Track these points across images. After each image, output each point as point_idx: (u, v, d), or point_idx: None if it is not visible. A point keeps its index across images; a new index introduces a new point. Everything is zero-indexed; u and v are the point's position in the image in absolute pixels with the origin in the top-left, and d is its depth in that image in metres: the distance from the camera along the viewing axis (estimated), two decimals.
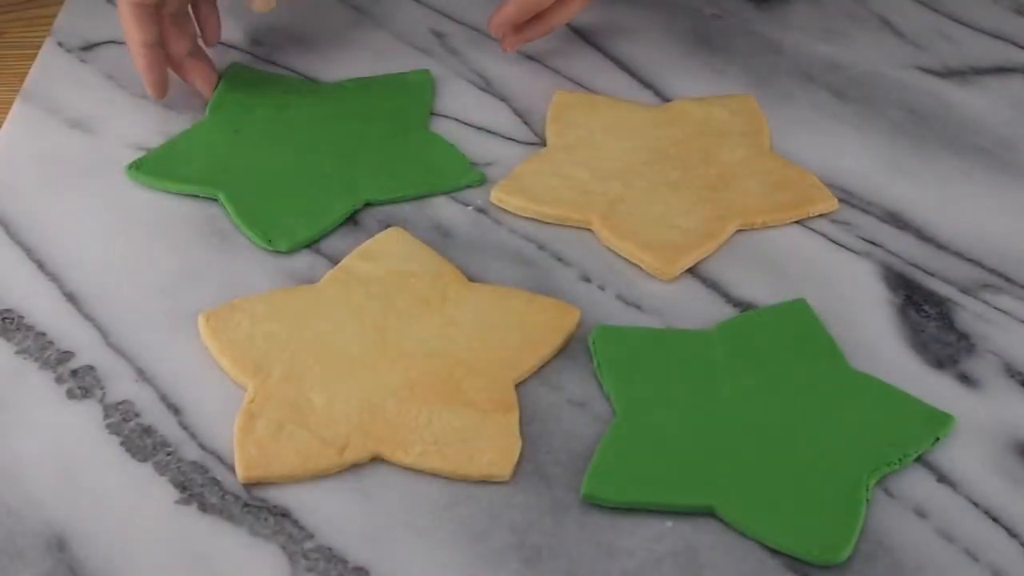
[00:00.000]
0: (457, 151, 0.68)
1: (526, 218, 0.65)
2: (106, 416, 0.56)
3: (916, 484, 0.54)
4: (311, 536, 0.52)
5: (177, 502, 0.53)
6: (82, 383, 0.57)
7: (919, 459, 0.55)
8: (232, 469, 0.54)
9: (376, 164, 0.68)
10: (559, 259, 0.63)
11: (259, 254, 0.63)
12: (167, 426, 0.56)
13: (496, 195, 0.66)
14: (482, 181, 0.67)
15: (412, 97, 0.72)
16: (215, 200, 0.65)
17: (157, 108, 0.71)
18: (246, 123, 0.70)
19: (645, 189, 0.66)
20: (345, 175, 0.67)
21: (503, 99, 0.73)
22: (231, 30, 0.76)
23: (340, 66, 0.74)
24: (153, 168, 0.67)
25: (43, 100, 0.72)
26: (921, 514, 0.53)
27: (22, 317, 0.60)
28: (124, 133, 0.70)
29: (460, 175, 0.67)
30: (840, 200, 0.66)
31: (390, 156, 0.68)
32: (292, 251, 0.63)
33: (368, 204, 0.66)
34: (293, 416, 0.55)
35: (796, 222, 0.65)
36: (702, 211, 0.65)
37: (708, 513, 0.53)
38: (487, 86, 0.73)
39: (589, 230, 0.64)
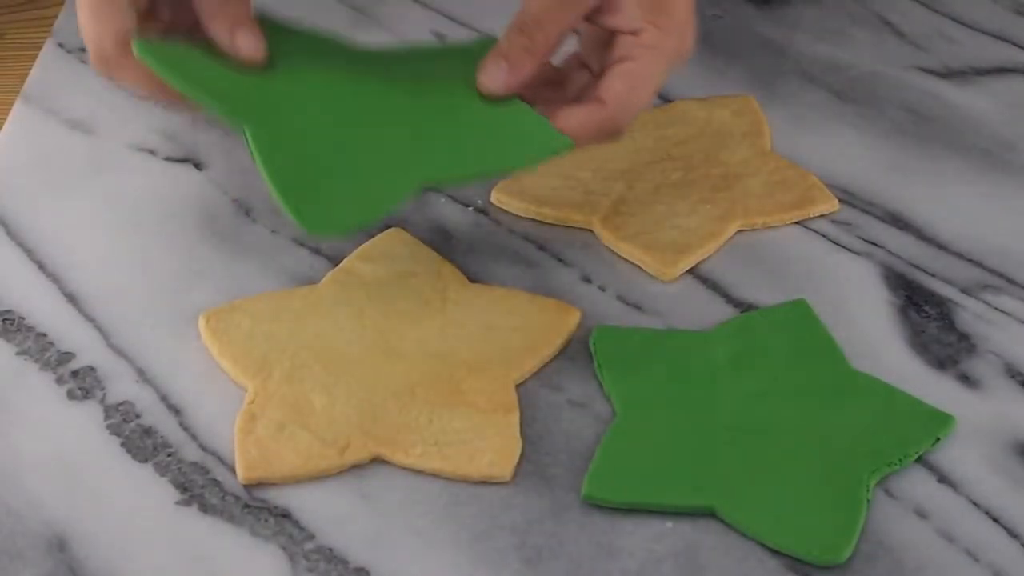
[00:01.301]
0: (539, 117, 0.58)
1: (527, 219, 0.65)
2: (107, 417, 0.56)
3: (917, 484, 0.54)
4: (312, 537, 0.52)
5: (178, 503, 0.53)
6: (83, 384, 0.57)
7: (920, 459, 0.55)
8: (233, 470, 0.54)
9: (443, 135, 0.58)
10: (560, 260, 0.63)
11: (260, 255, 0.63)
12: (168, 427, 0.56)
13: (496, 196, 0.66)
14: (571, 147, 0.58)
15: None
16: (238, 130, 0.56)
17: (159, 109, 0.71)
18: (285, 58, 0.58)
19: (647, 190, 0.66)
20: (404, 146, 0.57)
21: None
22: None
23: None
24: (166, 57, 0.56)
25: (44, 101, 0.72)
26: (922, 514, 0.53)
27: (22, 318, 0.60)
28: (125, 134, 0.70)
29: (546, 143, 0.58)
30: (840, 200, 0.66)
31: (459, 125, 0.58)
32: (319, 236, 0.58)
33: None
34: (294, 417, 0.55)
35: (796, 222, 0.65)
36: (704, 212, 0.65)
37: (708, 513, 0.53)
38: None
39: (590, 231, 0.64)
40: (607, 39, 0.60)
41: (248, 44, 0.56)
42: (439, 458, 0.54)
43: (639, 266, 0.63)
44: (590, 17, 0.59)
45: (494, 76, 0.58)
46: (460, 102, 0.58)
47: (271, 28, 0.59)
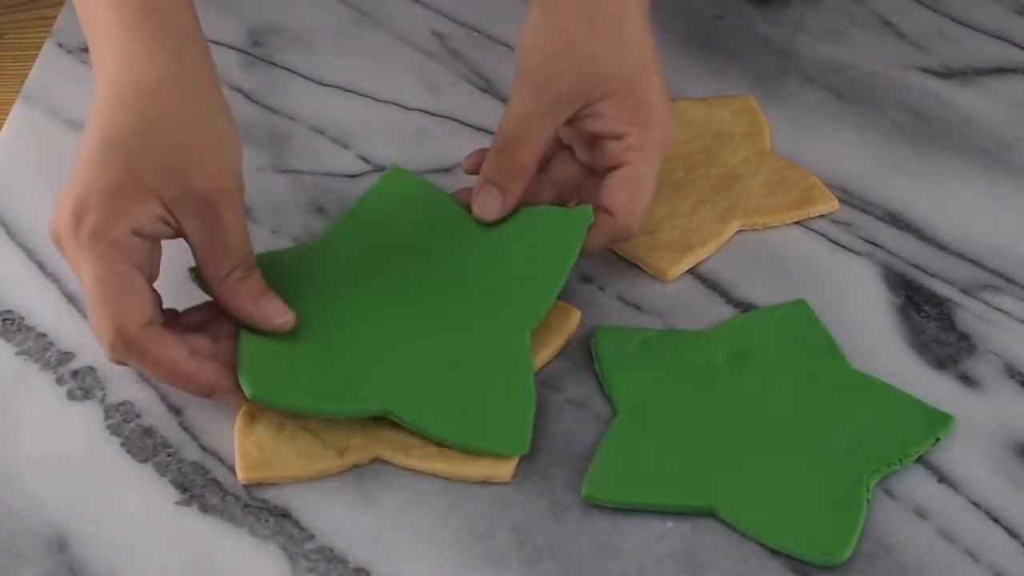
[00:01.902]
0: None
1: None
2: (107, 417, 0.56)
3: (917, 484, 0.54)
4: (312, 537, 0.52)
5: (178, 503, 0.53)
6: (83, 384, 0.57)
7: (920, 459, 0.55)
8: (233, 470, 0.54)
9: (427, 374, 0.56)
10: None
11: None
12: (168, 427, 0.56)
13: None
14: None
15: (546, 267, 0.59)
16: None
17: None
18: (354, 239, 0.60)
19: (664, 198, 0.65)
20: (380, 367, 0.56)
21: (503, 100, 0.73)
22: (231, 30, 0.76)
23: (340, 66, 0.74)
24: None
25: (44, 101, 0.72)
26: (922, 514, 0.53)
27: (23, 318, 0.60)
28: None
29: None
30: (840, 200, 0.66)
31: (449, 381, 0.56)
32: (254, 398, 0.54)
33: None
34: (294, 417, 0.55)
35: (797, 223, 0.65)
36: (704, 212, 0.65)
37: (709, 514, 0.53)
38: (487, 87, 0.73)
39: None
40: (590, 140, 0.61)
41: (276, 310, 0.56)
42: (439, 459, 0.54)
43: (639, 267, 0.63)
44: (571, 123, 0.60)
45: (488, 205, 0.60)
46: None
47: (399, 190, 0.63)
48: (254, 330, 0.56)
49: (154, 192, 0.54)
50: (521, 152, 0.59)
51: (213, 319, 0.57)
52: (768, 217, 0.65)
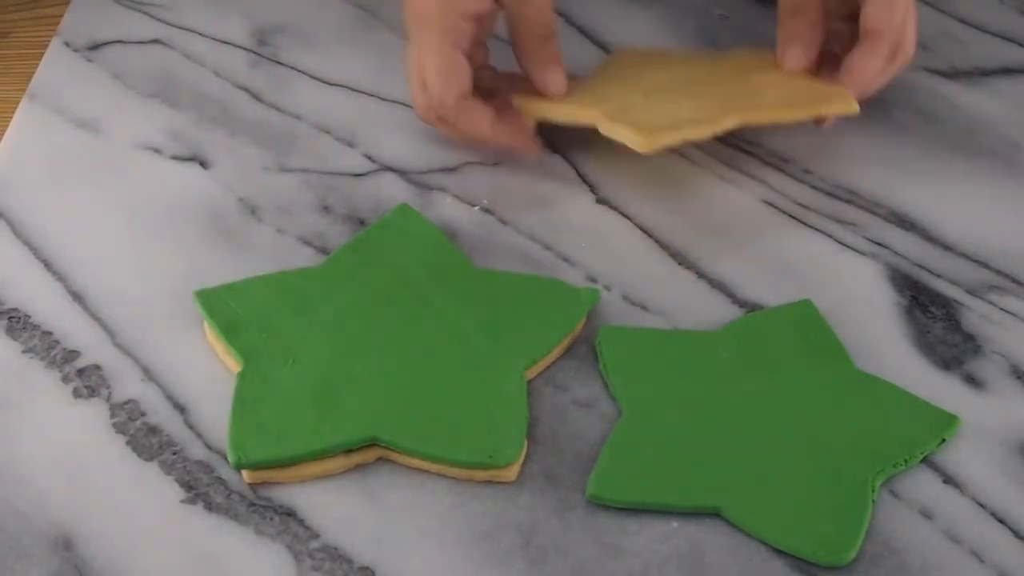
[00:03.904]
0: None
1: (530, 215, 0.65)
2: (112, 415, 0.56)
3: (922, 485, 0.54)
4: (317, 536, 0.52)
5: (183, 501, 0.53)
6: (88, 382, 0.57)
7: (925, 460, 0.55)
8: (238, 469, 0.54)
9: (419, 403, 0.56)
10: (565, 259, 0.63)
11: (266, 253, 0.63)
12: (173, 425, 0.56)
13: (516, 100, 0.66)
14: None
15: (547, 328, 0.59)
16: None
17: (165, 108, 0.71)
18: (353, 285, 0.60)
19: (663, 100, 0.65)
20: (361, 399, 0.56)
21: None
22: (234, 29, 0.77)
23: (346, 66, 0.74)
24: (211, 300, 0.59)
25: (50, 100, 0.72)
26: (927, 515, 0.53)
27: (28, 316, 0.60)
28: (131, 133, 0.70)
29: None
30: (846, 201, 0.66)
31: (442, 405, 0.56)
32: (237, 466, 0.54)
33: (376, 444, 0.54)
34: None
35: (801, 222, 0.65)
36: (705, 106, 0.65)
37: (714, 514, 0.53)
38: None
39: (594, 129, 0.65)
40: None
41: (555, 79, 0.66)
42: None
43: (623, 143, 0.63)
44: None
45: (796, 57, 0.67)
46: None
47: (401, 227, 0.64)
48: (247, 388, 0.56)
49: None
50: (810, 9, 0.66)
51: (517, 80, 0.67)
52: (774, 112, 0.65)
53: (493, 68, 0.68)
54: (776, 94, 0.66)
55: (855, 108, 0.65)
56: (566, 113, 0.65)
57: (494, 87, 0.67)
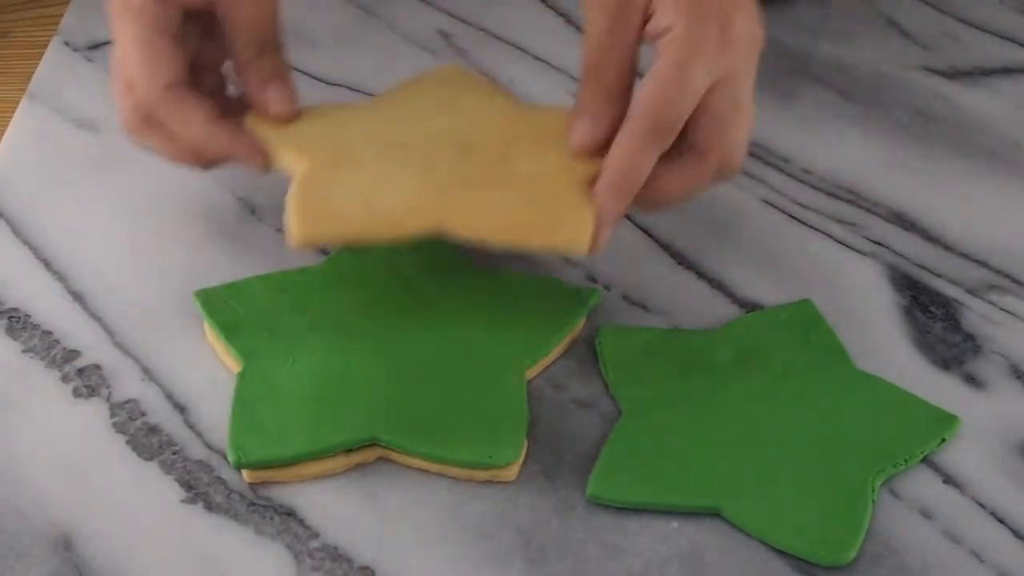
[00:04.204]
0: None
1: None
2: (112, 415, 0.56)
3: (922, 485, 0.54)
4: (317, 535, 0.52)
5: (183, 501, 0.53)
6: (88, 382, 0.57)
7: (925, 460, 0.55)
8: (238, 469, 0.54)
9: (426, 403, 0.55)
10: (565, 259, 0.63)
11: (266, 253, 0.63)
12: (173, 425, 0.56)
13: (248, 119, 0.58)
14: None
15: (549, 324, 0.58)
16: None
17: None
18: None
19: (392, 162, 0.56)
20: (361, 399, 0.55)
21: None
22: None
23: (345, 65, 0.74)
24: (211, 300, 0.59)
25: (50, 99, 0.72)
26: (927, 515, 0.53)
27: (28, 316, 0.60)
28: None
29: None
30: (846, 201, 0.66)
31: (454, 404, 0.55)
32: (237, 466, 0.53)
33: (376, 444, 0.54)
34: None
35: (801, 222, 0.65)
36: (414, 197, 0.54)
37: (714, 514, 0.53)
38: None
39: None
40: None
41: (277, 97, 0.57)
42: None
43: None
44: (642, 38, 0.55)
45: (583, 134, 0.55)
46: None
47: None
48: (247, 388, 0.55)
49: None
50: (604, 74, 0.55)
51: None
52: (491, 229, 0.53)
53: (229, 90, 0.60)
54: (508, 201, 0.54)
55: (583, 248, 0.53)
56: (280, 152, 0.56)
57: (225, 107, 0.58)
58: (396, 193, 0.54)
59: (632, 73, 0.55)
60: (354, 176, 0.55)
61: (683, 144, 0.54)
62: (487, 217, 0.54)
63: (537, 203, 0.54)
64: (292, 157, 0.56)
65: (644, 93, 0.53)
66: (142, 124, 0.57)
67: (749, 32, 0.54)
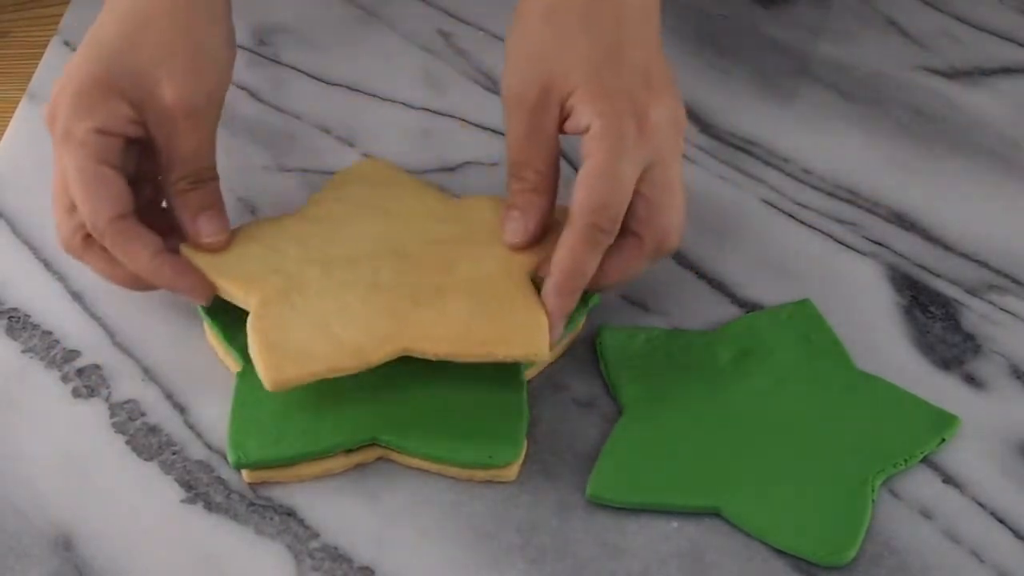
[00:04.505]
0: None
1: None
2: (112, 415, 0.56)
3: (922, 485, 0.54)
4: (317, 535, 0.52)
5: (183, 501, 0.53)
6: (88, 382, 0.57)
7: (925, 460, 0.55)
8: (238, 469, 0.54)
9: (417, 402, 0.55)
10: None
11: None
12: (173, 425, 0.56)
13: (183, 250, 0.57)
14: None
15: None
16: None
17: None
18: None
19: (339, 283, 0.56)
20: (361, 399, 0.55)
21: None
22: (237, 29, 0.76)
23: (346, 65, 0.74)
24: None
25: (49, 99, 0.71)
26: (927, 515, 0.53)
27: (28, 316, 0.60)
28: None
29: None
30: (846, 201, 0.66)
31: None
32: (237, 466, 0.54)
33: (376, 444, 0.54)
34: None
35: (801, 222, 0.65)
36: (371, 322, 0.54)
37: (714, 514, 0.53)
38: (493, 86, 0.73)
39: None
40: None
41: (209, 229, 0.56)
42: None
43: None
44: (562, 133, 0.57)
45: (514, 230, 0.57)
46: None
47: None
48: (247, 388, 0.55)
49: (122, 93, 0.55)
50: (530, 171, 0.56)
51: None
52: (437, 346, 0.54)
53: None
54: (463, 312, 0.54)
55: (544, 354, 0.54)
56: (224, 286, 0.56)
57: (165, 227, 0.57)
58: (354, 323, 0.54)
59: (555, 167, 0.57)
60: (307, 306, 0.55)
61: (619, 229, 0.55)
62: (445, 337, 0.54)
63: (488, 313, 0.54)
64: (237, 290, 0.55)
65: (579, 197, 0.54)
66: (82, 246, 0.56)
67: (668, 118, 0.56)
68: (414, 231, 0.58)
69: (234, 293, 0.56)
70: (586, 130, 0.55)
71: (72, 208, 0.55)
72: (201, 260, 0.56)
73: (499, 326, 0.54)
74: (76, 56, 0.57)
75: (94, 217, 0.54)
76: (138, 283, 0.57)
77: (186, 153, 0.56)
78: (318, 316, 0.54)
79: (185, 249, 0.57)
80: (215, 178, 0.58)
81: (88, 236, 0.56)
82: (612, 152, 0.54)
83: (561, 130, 0.56)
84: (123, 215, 0.55)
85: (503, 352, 0.53)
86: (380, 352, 0.53)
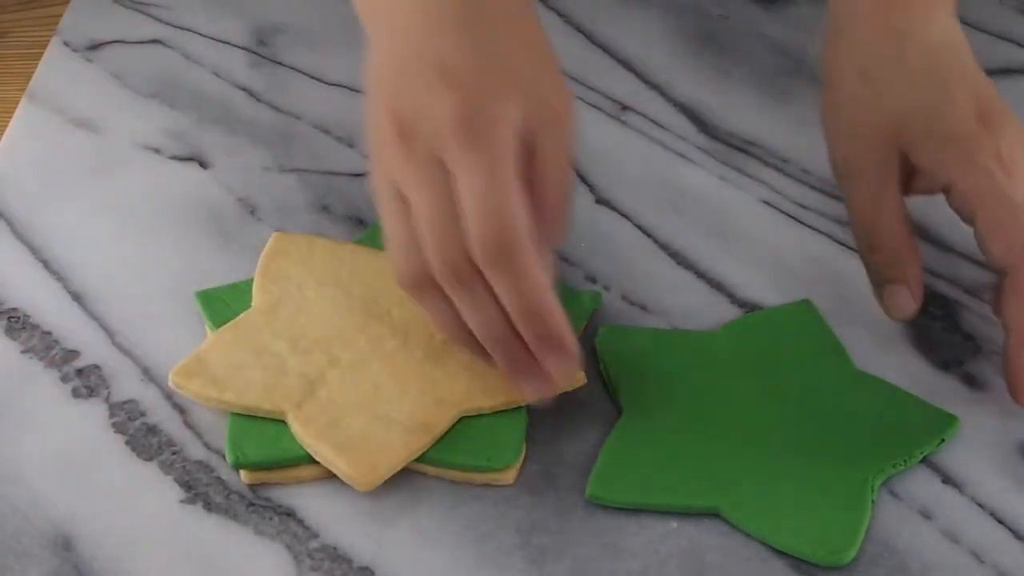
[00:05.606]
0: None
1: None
2: (111, 415, 0.56)
3: (922, 485, 0.54)
4: (316, 536, 0.52)
5: (182, 501, 0.53)
6: (87, 382, 0.57)
7: (924, 460, 0.55)
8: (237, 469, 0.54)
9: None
10: (565, 259, 0.63)
11: None
12: (172, 425, 0.56)
13: (173, 379, 0.55)
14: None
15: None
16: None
17: (164, 108, 0.71)
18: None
19: (352, 363, 0.55)
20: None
21: None
22: (234, 29, 0.76)
23: (346, 66, 0.74)
24: (211, 300, 0.59)
25: (49, 100, 0.72)
26: (927, 515, 0.53)
27: (28, 316, 0.60)
28: (130, 133, 0.70)
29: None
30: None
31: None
32: (235, 466, 0.54)
33: None
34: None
35: (801, 223, 0.65)
36: (417, 395, 0.54)
37: (713, 514, 0.53)
38: None
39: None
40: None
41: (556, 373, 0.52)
42: None
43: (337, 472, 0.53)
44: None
45: (900, 304, 0.58)
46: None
47: None
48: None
49: (514, 107, 0.49)
50: (887, 237, 0.57)
51: None
52: (493, 400, 0.54)
53: None
54: (467, 370, 0.55)
55: (581, 379, 0.55)
56: (242, 405, 0.54)
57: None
58: (398, 400, 0.54)
59: (908, 230, 0.58)
60: (341, 397, 0.54)
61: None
62: (496, 388, 0.54)
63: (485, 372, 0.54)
64: (263, 403, 0.54)
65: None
66: (452, 278, 0.49)
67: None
68: (378, 291, 0.58)
69: (259, 406, 0.54)
70: (947, 190, 0.56)
71: (440, 229, 0.49)
72: (202, 381, 0.55)
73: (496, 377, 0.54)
74: (429, 86, 0.50)
75: (500, 232, 0.47)
76: (498, 334, 0.50)
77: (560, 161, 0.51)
78: (357, 404, 0.54)
79: (175, 376, 0.55)
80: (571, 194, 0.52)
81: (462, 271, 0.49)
82: (996, 179, 0.55)
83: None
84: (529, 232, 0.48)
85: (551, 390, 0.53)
86: (444, 424, 0.54)
